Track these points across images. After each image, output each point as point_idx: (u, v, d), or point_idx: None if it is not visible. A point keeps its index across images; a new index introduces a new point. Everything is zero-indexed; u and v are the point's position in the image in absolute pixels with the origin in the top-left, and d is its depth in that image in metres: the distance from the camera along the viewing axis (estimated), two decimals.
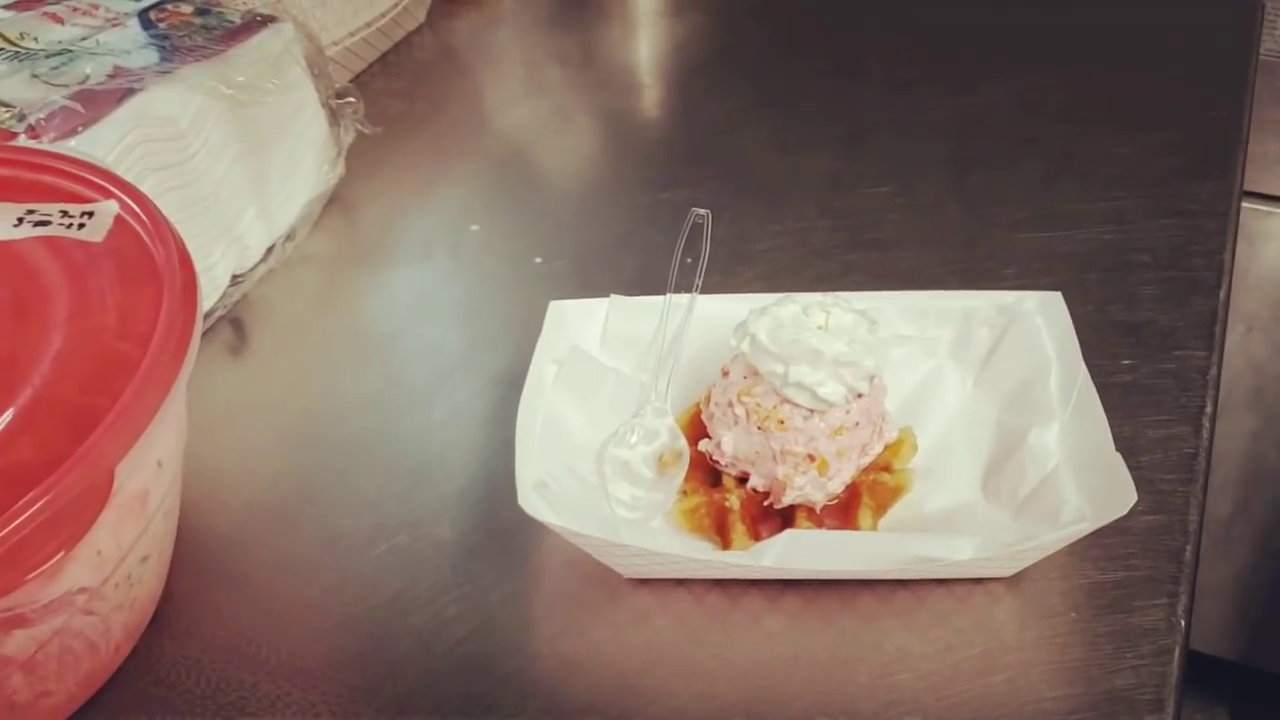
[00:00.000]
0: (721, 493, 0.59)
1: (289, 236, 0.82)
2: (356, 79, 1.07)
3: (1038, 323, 0.62)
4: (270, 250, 0.82)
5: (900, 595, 0.55)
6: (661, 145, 0.98)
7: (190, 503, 0.55)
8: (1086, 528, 0.51)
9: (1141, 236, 0.79)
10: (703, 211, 0.69)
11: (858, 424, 0.57)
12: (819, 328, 0.57)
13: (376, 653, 0.47)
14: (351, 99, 0.89)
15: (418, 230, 0.87)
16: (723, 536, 0.58)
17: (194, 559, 0.52)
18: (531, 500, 0.53)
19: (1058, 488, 0.54)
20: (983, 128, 0.93)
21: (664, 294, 0.66)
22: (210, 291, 0.76)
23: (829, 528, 0.58)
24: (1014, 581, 0.55)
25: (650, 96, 1.07)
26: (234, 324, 0.76)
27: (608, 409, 0.63)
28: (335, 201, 0.88)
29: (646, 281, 0.67)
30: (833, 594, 0.54)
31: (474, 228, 0.86)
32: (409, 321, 0.77)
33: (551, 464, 0.57)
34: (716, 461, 0.60)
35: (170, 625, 0.47)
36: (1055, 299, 0.63)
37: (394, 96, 1.07)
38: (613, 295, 0.66)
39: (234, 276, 0.78)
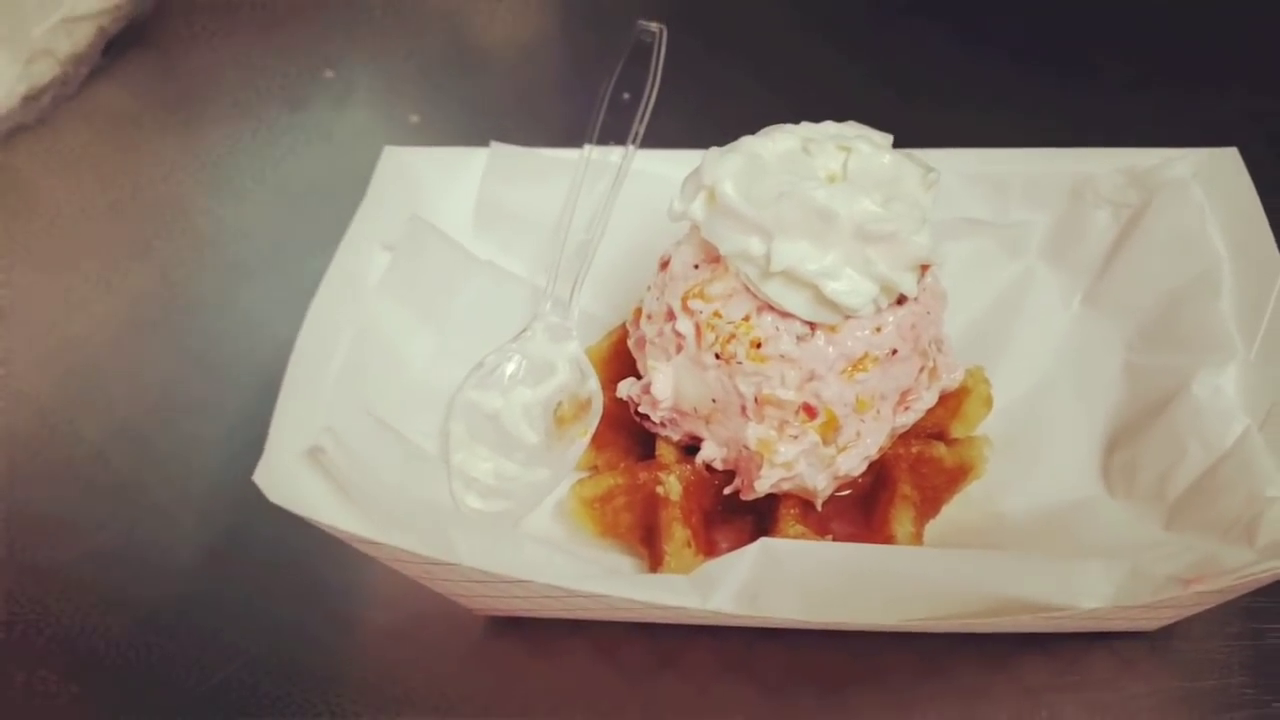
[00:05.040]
0: (652, 471, 0.43)
1: (61, 81, 0.68)
2: None
3: (1197, 198, 0.46)
4: (30, 98, 0.68)
5: (959, 660, 0.41)
6: None
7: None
8: None
9: None
10: (654, 26, 0.53)
11: (894, 352, 0.40)
12: (830, 178, 0.39)
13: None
14: None
15: (252, 76, 0.73)
16: (651, 547, 0.43)
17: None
18: (287, 475, 0.36)
19: (1250, 472, 0.39)
20: None
21: (581, 146, 0.50)
22: None
23: (837, 536, 0.43)
24: (1161, 639, 0.42)
25: None
26: None
27: (473, 327, 0.48)
28: (139, 36, 0.75)
29: (565, 143, 0.52)
30: (840, 653, 0.42)
31: (329, 74, 0.73)
32: (205, 200, 0.64)
33: (352, 416, 0.41)
34: (645, 417, 0.44)
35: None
36: (1228, 158, 0.47)
37: None
38: (494, 143, 0.51)
39: None
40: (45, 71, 0.67)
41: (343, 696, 0.43)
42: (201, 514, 0.49)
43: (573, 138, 0.51)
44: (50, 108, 0.68)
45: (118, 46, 0.73)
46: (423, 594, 0.45)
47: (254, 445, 0.50)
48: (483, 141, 0.52)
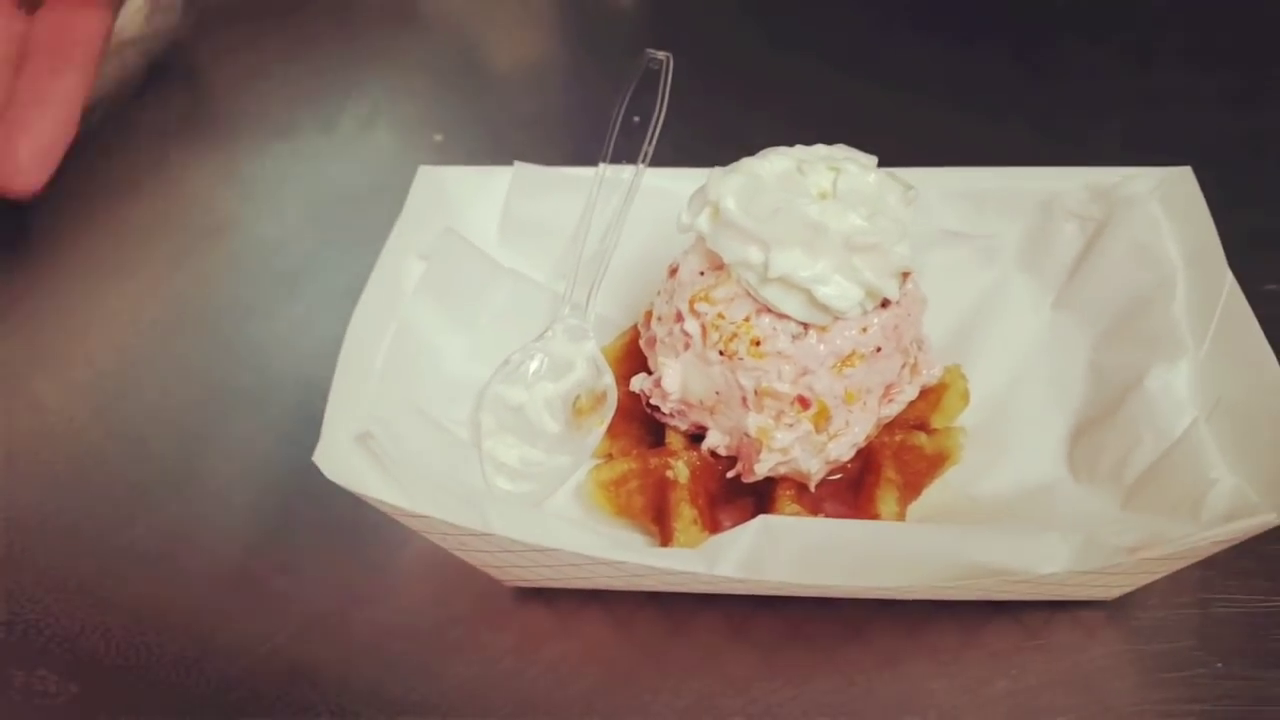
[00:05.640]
0: (662, 457, 0.46)
1: (108, 101, 0.72)
2: None
3: (1155, 213, 0.49)
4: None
5: (938, 626, 0.44)
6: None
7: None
8: (1264, 522, 0.37)
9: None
10: (661, 54, 0.55)
11: (879, 350, 0.43)
12: (821, 195, 0.42)
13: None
14: None
15: (279, 98, 0.75)
16: (661, 525, 0.46)
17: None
18: (340, 458, 0.39)
19: (1196, 458, 0.42)
20: None
21: (595, 164, 0.52)
22: None
23: (829, 514, 0.46)
24: (1118, 608, 0.44)
25: None
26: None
27: (499, 329, 0.50)
28: (173, 60, 0.77)
29: (576, 160, 0.54)
30: (832, 620, 0.44)
31: (357, 95, 0.74)
32: (244, 214, 0.66)
33: (394, 406, 0.44)
34: (656, 408, 0.47)
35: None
36: (1182, 177, 0.49)
37: None
38: (518, 163, 0.54)
39: None
40: (94, 92, 0.69)
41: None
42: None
43: (584, 154, 0.53)
44: (98, 126, 0.69)
45: (158, 68, 0.74)
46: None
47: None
48: (503, 158, 0.54)
